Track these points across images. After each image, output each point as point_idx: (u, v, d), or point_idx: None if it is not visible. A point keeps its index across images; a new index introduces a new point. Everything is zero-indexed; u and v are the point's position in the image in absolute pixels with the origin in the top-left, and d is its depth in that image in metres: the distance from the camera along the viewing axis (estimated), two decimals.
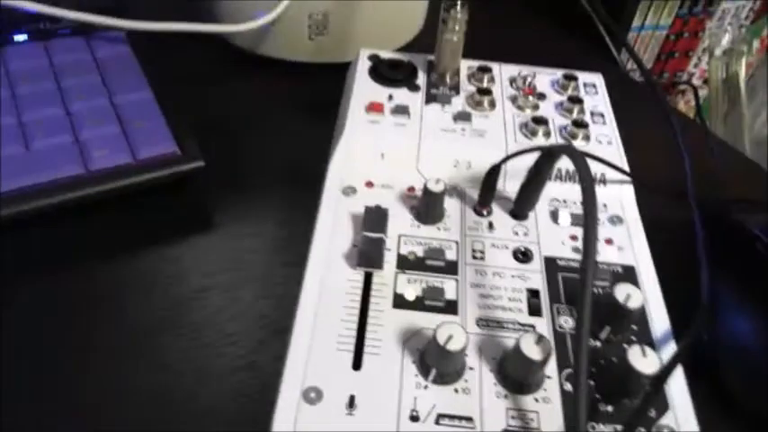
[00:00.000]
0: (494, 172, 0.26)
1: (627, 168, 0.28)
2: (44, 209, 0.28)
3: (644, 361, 0.20)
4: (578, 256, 0.25)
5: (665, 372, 0.21)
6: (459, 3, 0.29)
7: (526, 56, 0.34)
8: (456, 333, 0.20)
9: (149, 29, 0.35)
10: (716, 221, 0.30)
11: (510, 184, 0.27)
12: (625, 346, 0.21)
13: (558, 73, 0.32)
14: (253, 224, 0.30)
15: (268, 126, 0.36)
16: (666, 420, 0.21)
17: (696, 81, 0.68)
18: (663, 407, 0.21)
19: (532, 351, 0.20)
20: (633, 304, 0.22)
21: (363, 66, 0.32)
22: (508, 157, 0.25)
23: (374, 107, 0.29)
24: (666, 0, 0.54)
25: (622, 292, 0.22)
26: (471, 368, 0.21)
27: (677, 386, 0.22)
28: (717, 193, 0.33)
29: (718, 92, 0.55)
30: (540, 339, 0.20)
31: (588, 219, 0.20)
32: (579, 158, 0.21)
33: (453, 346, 0.20)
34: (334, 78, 0.34)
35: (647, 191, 0.28)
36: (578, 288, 0.20)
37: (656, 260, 0.26)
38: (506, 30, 0.46)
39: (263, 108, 0.37)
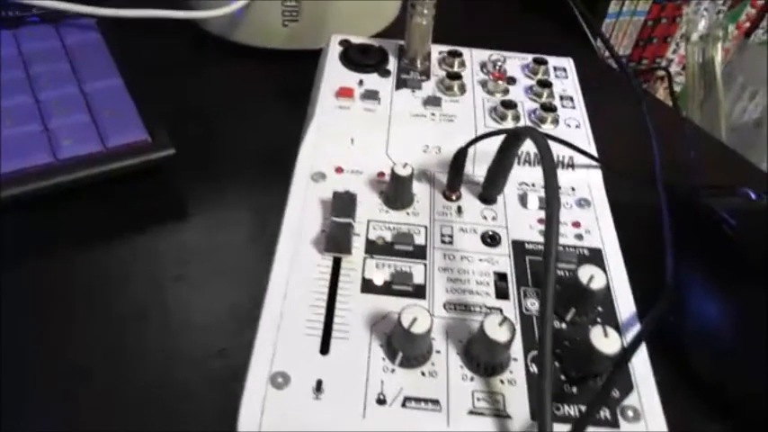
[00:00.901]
0: (460, 156, 0.26)
1: (594, 152, 0.28)
2: (13, 198, 0.28)
3: (605, 341, 0.20)
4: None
5: (628, 352, 0.21)
6: None
7: (504, 43, 0.34)
8: (420, 316, 0.20)
9: (120, 15, 0.35)
10: (685, 205, 0.30)
11: (479, 169, 0.27)
12: (589, 327, 0.22)
13: (529, 57, 0.32)
14: (226, 212, 0.30)
15: (242, 113, 0.36)
16: (630, 401, 0.21)
17: (675, 67, 0.68)
18: (627, 387, 0.21)
19: (496, 333, 0.20)
20: (596, 285, 0.22)
21: (334, 51, 0.32)
22: (474, 141, 0.25)
23: (344, 92, 0.29)
24: None
25: (586, 273, 0.22)
26: (438, 351, 0.22)
27: (641, 367, 0.22)
28: (689, 179, 0.34)
29: (695, 77, 0.56)
30: (504, 321, 0.20)
31: (550, 199, 0.21)
32: (541, 140, 0.21)
33: (418, 329, 0.20)
34: (308, 65, 0.34)
35: (616, 175, 0.29)
36: (542, 270, 0.20)
37: (626, 244, 0.26)
38: (484, 17, 0.46)
39: (236, 95, 0.37)
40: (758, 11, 0.67)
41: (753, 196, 0.30)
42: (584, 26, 0.45)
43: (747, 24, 0.68)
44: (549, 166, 0.21)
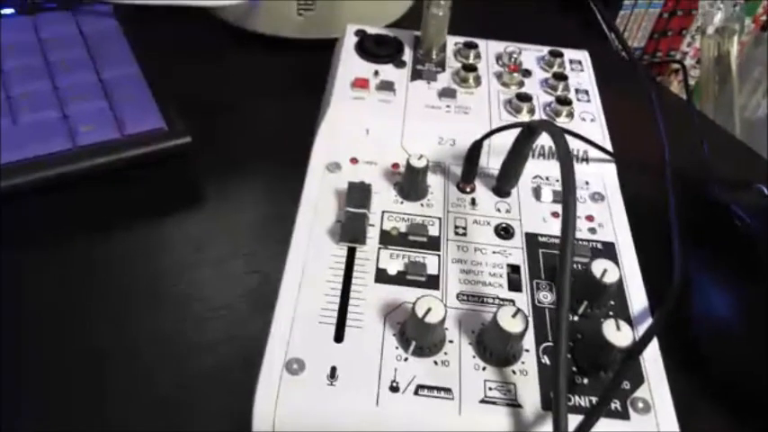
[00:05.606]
0: (475, 148, 0.26)
1: (609, 146, 0.28)
2: (32, 183, 0.28)
3: (618, 334, 0.20)
4: (559, 233, 0.25)
5: (639, 345, 0.22)
6: None
7: (520, 34, 0.33)
8: (434, 306, 0.20)
9: (137, 2, 0.35)
10: (698, 200, 0.30)
11: (493, 161, 0.27)
12: (602, 320, 0.22)
13: (545, 50, 0.32)
14: (241, 200, 0.31)
15: (257, 102, 0.36)
16: (641, 393, 0.21)
17: (690, 60, 0.68)
18: (638, 380, 0.21)
19: (509, 324, 0.20)
20: (609, 279, 0.22)
21: (350, 41, 0.32)
22: (489, 134, 0.25)
23: (359, 83, 0.29)
24: None
25: (599, 267, 0.22)
26: (451, 341, 0.22)
27: (652, 360, 0.22)
28: (702, 174, 0.34)
29: (710, 71, 0.55)
30: (517, 312, 0.20)
31: (566, 193, 0.21)
32: (558, 134, 0.21)
33: (432, 318, 0.20)
34: (323, 55, 0.34)
35: (630, 168, 0.29)
36: (558, 264, 0.20)
37: (640, 238, 0.26)
38: (500, 8, 0.45)
39: (252, 84, 0.37)
40: None
41: (766, 192, 0.30)
42: (601, 20, 0.45)
43: (764, 18, 0.67)
44: (566, 161, 0.21)
